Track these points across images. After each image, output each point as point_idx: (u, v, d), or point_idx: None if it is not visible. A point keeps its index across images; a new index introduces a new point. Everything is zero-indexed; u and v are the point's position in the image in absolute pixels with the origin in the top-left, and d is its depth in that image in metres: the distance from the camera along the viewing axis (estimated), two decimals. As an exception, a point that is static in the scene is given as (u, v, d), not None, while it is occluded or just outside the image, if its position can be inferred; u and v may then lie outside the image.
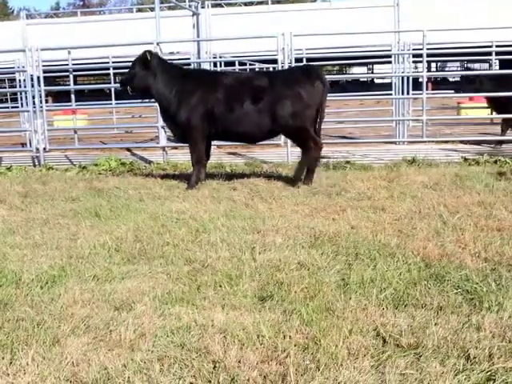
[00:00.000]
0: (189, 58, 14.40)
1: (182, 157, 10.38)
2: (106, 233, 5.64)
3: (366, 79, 43.75)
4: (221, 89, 7.88)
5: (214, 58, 14.46)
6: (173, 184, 8.27)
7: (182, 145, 9.59)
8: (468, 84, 10.68)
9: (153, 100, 8.70)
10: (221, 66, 15.00)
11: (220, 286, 4.15)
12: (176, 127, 8.22)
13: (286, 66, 10.10)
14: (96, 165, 10.33)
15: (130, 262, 4.79)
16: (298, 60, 11.60)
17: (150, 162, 10.74)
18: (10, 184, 8.72)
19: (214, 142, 11.67)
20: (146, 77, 8.03)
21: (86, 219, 6.25)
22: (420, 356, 3.09)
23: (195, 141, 8.06)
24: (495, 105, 11.52)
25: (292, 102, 7.64)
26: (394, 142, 11.77)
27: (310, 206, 6.60)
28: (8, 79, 20.64)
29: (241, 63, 15.47)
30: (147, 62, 7.99)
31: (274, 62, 10.42)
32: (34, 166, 11.15)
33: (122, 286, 4.24)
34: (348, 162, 9.57)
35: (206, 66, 13.00)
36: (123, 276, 4.46)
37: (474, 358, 3.05)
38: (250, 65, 15.50)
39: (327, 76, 13.22)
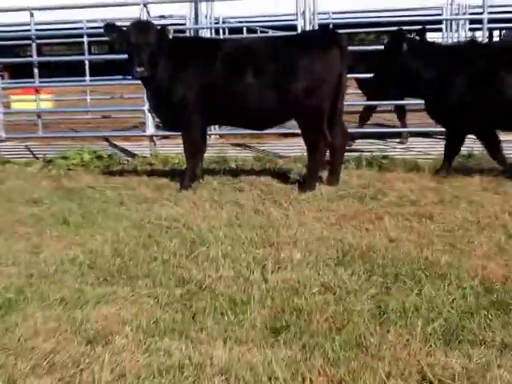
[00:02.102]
0: (184, 24, 14.41)
1: (174, 149, 10.39)
2: (77, 245, 5.65)
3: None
4: (218, 60, 7.89)
5: (216, 23, 14.46)
6: (162, 183, 8.29)
7: (174, 133, 9.60)
8: None
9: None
10: (224, 33, 15.01)
11: (221, 314, 4.16)
12: (165, 111, 8.22)
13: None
14: (65, 158, 10.34)
15: (107, 283, 4.80)
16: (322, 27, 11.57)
17: (133, 155, 10.76)
18: (-45, 182, 8.78)
19: (215, 131, 11.74)
20: (157, 53, 7.84)
21: (52, 227, 6.26)
22: (478, 407, 3.09)
23: (189, 126, 8.07)
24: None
25: (303, 75, 7.65)
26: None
27: (336, 212, 6.60)
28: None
29: (250, 30, 15.46)
30: (166, 36, 7.84)
31: (293, 28, 10.40)
32: (-14, 159, 11.20)
33: (96, 312, 4.24)
34: (386, 157, 9.54)
35: (205, 34, 13.01)
36: (98, 300, 4.46)
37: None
38: (261, 32, 15.49)
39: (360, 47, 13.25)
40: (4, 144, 11.66)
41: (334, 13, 15.92)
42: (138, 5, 10.65)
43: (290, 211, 6.68)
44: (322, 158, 7.92)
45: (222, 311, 4.19)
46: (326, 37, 8.04)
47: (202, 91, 7.88)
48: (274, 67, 7.76)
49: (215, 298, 4.41)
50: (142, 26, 7.97)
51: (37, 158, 10.86)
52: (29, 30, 13.35)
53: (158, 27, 7.94)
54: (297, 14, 10.37)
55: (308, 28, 10.21)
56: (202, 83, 7.88)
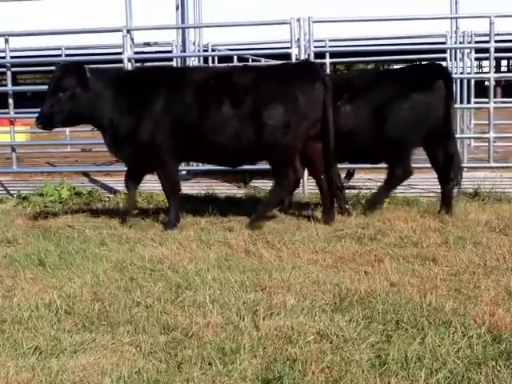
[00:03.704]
0: (170, 51, 14.49)
1: (159, 185, 10.39)
2: (54, 288, 5.64)
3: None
4: (188, 92, 7.94)
5: (205, 50, 14.56)
6: (146, 222, 8.29)
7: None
8: None
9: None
10: (214, 61, 15.11)
11: (209, 364, 4.14)
12: (133, 153, 8.18)
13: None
14: (41, 195, 10.34)
15: (85, 329, 4.79)
16: (318, 55, 11.67)
17: (115, 192, 10.76)
18: None
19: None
20: (83, 99, 7.93)
21: (27, 269, 6.25)
22: None
23: (165, 165, 8.10)
24: None
25: (282, 109, 7.71)
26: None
27: (333, 254, 6.61)
28: None
29: (241, 59, 15.58)
30: (84, 78, 7.91)
31: (287, 57, 10.48)
32: (-44, 195, 11.17)
33: (73, 362, 4.22)
34: (386, 195, 9.57)
35: (193, 62, 13.10)
36: (76, 348, 4.44)
37: None
38: (253, 61, 15.61)
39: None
40: (-25, 179, 11.65)
41: (331, 40, 16.04)
42: (121, 31, 10.70)
43: (283, 252, 6.68)
44: (285, 190, 8.07)
45: (209, 361, 4.17)
46: (311, 68, 8.13)
47: (166, 127, 7.92)
48: (248, 100, 7.78)
49: (202, 346, 4.39)
50: (55, 74, 8.29)
51: (11, 195, 10.84)
52: (3, 57, 13.38)
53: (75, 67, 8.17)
54: (291, 42, 10.44)
55: (303, 57, 10.29)
56: (168, 119, 7.91)
